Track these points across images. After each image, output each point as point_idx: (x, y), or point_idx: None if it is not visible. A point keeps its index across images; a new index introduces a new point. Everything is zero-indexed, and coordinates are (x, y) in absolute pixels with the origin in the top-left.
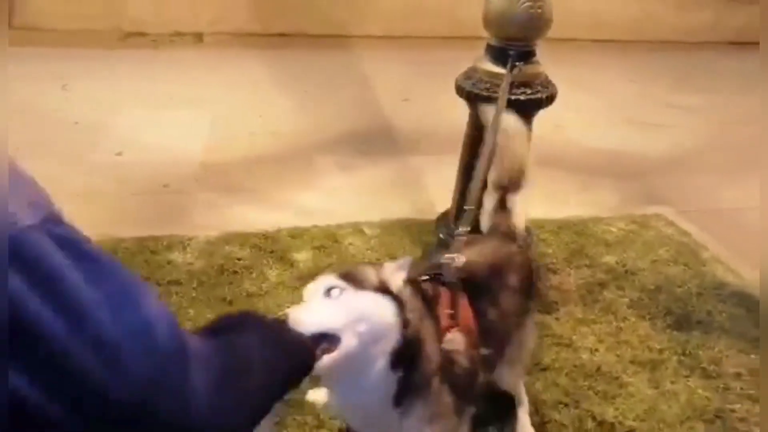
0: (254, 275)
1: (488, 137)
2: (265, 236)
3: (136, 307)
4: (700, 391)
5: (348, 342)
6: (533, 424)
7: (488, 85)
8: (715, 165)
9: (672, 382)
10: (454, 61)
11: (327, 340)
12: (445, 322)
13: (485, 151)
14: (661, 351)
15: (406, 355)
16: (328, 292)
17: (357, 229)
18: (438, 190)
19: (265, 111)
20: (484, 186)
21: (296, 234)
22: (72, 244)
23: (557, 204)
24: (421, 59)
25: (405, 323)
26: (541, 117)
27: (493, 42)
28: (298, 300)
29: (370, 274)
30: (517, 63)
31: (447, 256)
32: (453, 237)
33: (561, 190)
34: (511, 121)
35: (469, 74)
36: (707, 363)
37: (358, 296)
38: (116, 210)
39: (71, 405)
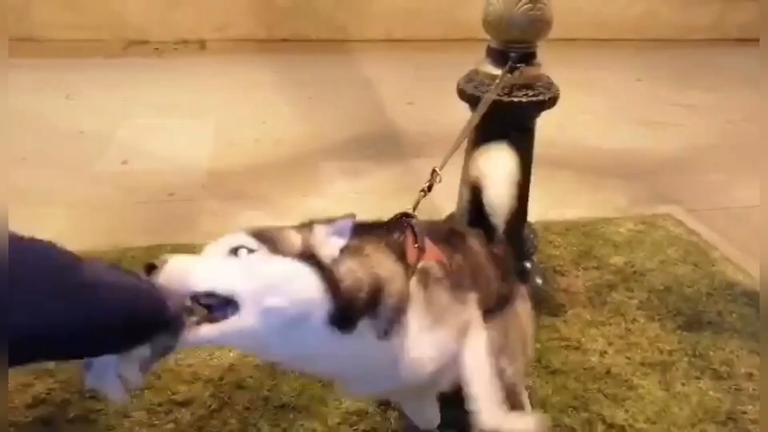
0: None
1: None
2: None
3: None
4: (711, 392)
5: (246, 316)
6: None
7: (489, 88)
8: (724, 163)
9: (683, 384)
10: (457, 63)
11: (219, 307)
12: (413, 255)
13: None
14: (671, 352)
15: (349, 317)
16: (234, 251)
17: None
18: (443, 193)
19: (269, 117)
20: None
21: None
22: None
23: (564, 205)
24: (424, 62)
25: (335, 289)
26: (547, 118)
27: (494, 44)
28: None
29: (293, 237)
30: (518, 65)
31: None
32: None
33: (568, 191)
34: (500, 163)
35: (470, 77)
36: (718, 364)
37: (271, 261)
38: (122, 219)
39: None
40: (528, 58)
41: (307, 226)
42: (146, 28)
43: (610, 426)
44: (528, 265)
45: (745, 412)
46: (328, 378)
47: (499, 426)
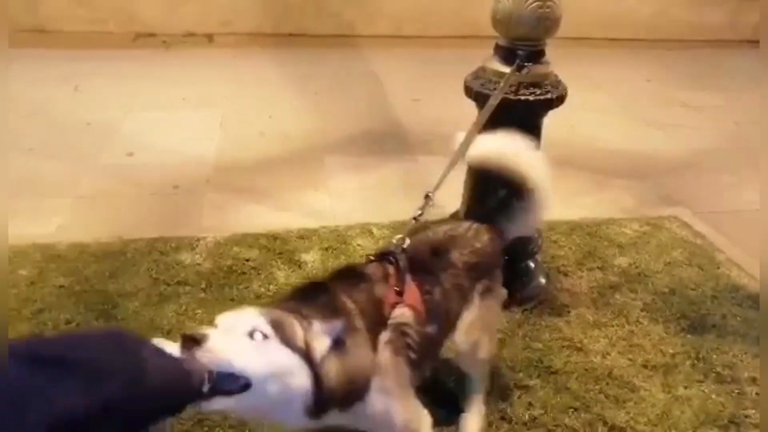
0: (262, 276)
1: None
2: (274, 237)
3: None
4: (713, 396)
5: (259, 394)
6: (542, 425)
7: (497, 86)
8: (731, 166)
9: (685, 387)
10: (464, 60)
11: (232, 378)
12: (392, 298)
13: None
14: (674, 355)
15: (323, 410)
16: (251, 334)
17: (366, 229)
18: (448, 191)
19: (275, 111)
20: None
21: (305, 235)
22: None
23: (571, 205)
24: (431, 59)
25: (318, 388)
26: (555, 117)
27: (502, 42)
28: None
29: (298, 331)
30: (526, 63)
31: (396, 238)
32: None
33: (574, 191)
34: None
35: (477, 74)
36: (721, 368)
37: (281, 352)
38: (127, 210)
39: None
40: (536, 56)
41: (306, 319)
42: (154, 21)
43: (611, 428)
44: (532, 264)
45: (747, 416)
46: None
47: None
